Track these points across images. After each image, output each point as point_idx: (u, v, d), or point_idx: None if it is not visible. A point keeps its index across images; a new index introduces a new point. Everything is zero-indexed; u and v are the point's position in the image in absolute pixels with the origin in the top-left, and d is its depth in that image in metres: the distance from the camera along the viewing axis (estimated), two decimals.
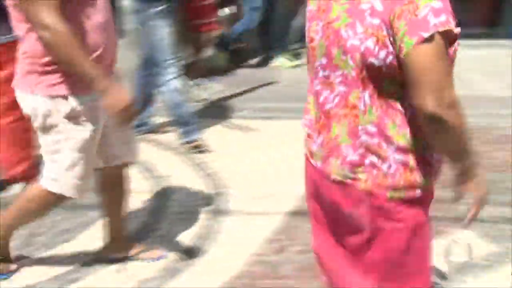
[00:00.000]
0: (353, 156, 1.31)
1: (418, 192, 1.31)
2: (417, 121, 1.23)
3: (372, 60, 1.19)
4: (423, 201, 1.35)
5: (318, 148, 1.41)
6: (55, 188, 2.10)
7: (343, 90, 1.30)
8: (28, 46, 1.91)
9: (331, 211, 1.44)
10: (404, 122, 1.26)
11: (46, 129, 2.02)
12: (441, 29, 1.10)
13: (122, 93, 1.89)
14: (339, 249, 1.47)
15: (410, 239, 1.36)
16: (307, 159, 1.51)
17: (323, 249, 1.57)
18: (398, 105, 1.25)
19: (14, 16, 1.89)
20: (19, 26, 1.90)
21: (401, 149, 1.27)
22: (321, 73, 1.36)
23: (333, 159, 1.35)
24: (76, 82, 1.91)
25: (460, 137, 1.22)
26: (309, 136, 1.48)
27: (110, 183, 2.36)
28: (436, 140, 1.23)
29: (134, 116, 2.00)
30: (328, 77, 1.33)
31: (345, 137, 1.32)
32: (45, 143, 2.08)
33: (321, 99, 1.37)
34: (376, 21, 1.16)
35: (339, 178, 1.35)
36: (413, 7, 1.11)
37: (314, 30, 1.36)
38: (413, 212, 1.34)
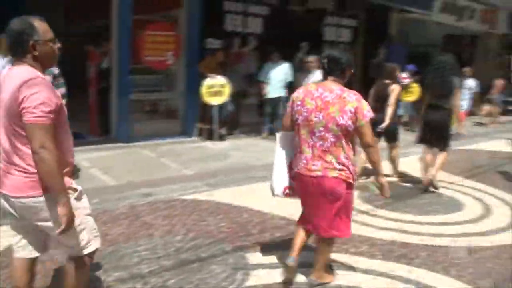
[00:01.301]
0: (338, 166, 3.30)
1: (353, 180, 3.40)
2: (353, 149, 3.40)
3: (349, 128, 3.23)
4: (353, 184, 3.44)
5: (319, 167, 3.31)
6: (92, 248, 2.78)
7: (333, 140, 3.26)
8: (30, 162, 2.47)
9: (325, 192, 3.33)
10: (351, 150, 3.35)
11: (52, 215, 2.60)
12: (370, 117, 3.28)
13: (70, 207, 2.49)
14: (321, 209, 3.42)
15: (351, 198, 3.51)
16: (305, 176, 3.39)
17: (312, 213, 3.52)
18: (349, 143, 3.34)
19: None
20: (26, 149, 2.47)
21: (351, 163, 3.34)
22: (317, 134, 3.29)
23: (329, 169, 3.29)
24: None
25: (377, 154, 3.48)
26: (307, 164, 3.37)
27: None
28: (369, 156, 3.48)
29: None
30: (324, 135, 3.27)
31: (334, 160, 3.29)
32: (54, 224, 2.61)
33: (318, 145, 3.31)
34: (351, 114, 3.21)
35: (333, 175, 3.29)
36: (361, 109, 3.24)
37: (314, 116, 3.29)
38: (352, 188, 3.45)
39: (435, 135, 6.33)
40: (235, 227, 4.71)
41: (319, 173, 3.32)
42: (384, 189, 3.57)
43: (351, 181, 3.37)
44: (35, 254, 2.80)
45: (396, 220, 5.16)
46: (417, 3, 11.35)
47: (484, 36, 16.86)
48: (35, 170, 2.44)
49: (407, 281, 3.81)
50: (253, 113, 10.41)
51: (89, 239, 2.72)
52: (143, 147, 7.83)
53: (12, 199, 2.55)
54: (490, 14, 15.73)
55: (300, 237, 3.66)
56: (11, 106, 2.41)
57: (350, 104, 3.23)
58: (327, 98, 3.28)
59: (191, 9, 8.53)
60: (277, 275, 3.73)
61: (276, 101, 9.25)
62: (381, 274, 3.90)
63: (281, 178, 3.71)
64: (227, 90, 8.45)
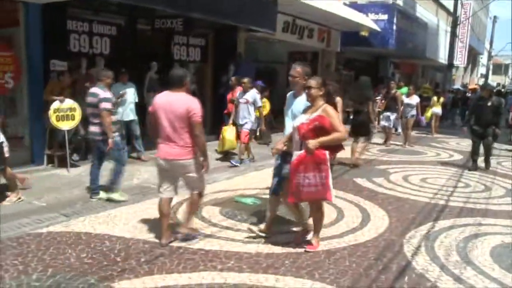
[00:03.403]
0: None
1: None
2: None
3: None
4: None
5: None
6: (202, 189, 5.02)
7: None
8: (187, 141, 4.65)
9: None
10: None
11: (195, 170, 4.79)
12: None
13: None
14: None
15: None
16: None
17: None
18: None
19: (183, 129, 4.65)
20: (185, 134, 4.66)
21: None
22: None
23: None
24: None
25: None
26: None
27: None
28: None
29: None
30: None
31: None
32: (196, 174, 4.83)
33: None
34: None
35: None
36: None
37: None
38: None
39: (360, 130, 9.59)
40: (97, 257, 4.45)
41: None
42: None
43: None
44: (174, 195, 4.95)
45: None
46: (261, 23, 11.91)
47: (323, 53, 18.30)
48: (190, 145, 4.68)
49: None
50: None
51: (204, 184, 5.03)
52: None
53: (172, 161, 4.69)
54: (326, 34, 17.12)
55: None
56: (181, 112, 4.57)
57: None
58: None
59: (30, 28, 7.94)
60: None
61: (129, 123, 9.03)
62: (250, 287, 3.97)
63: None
64: (77, 114, 8.02)
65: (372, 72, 21.50)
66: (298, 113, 4.83)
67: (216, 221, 5.66)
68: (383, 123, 12.96)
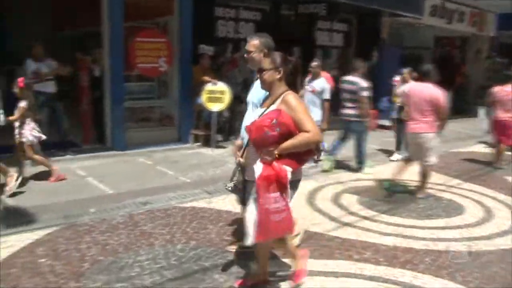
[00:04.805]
0: None
1: None
2: None
3: None
4: None
5: None
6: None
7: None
8: (429, 119, 5.93)
9: None
10: None
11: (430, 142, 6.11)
12: None
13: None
14: None
15: None
16: None
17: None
18: None
19: None
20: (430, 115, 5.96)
21: None
22: None
23: None
24: None
25: None
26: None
27: None
28: None
29: None
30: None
31: None
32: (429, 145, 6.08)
33: None
34: None
35: None
36: None
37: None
38: None
39: None
40: (236, 235, 4.63)
41: None
42: None
43: None
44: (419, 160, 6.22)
45: (398, 225, 5.12)
46: (407, 7, 11.38)
47: (473, 38, 16.97)
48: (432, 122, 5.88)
49: (412, 287, 3.76)
50: None
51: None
52: (138, 155, 7.73)
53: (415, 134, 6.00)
54: (479, 17, 15.84)
55: None
56: (426, 99, 5.88)
57: None
58: None
59: (183, 16, 8.44)
60: (282, 282, 3.69)
61: None
62: (386, 280, 3.85)
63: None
64: (227, 97, 8.40)
65: None
66: (259, 102, 3.55)
67: (354, 210, 5.57)
68: None
